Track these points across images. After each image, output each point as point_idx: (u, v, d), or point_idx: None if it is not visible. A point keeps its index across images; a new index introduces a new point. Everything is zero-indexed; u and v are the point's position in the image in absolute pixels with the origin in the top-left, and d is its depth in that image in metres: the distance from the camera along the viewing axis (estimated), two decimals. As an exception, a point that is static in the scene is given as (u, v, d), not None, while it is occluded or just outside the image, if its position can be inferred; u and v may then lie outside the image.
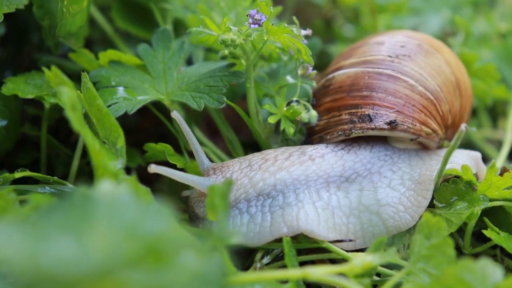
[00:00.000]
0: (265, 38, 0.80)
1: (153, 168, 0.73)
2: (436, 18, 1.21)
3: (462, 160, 0.82)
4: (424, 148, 0.86)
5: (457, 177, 0.80)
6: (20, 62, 1.03)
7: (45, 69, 0.71)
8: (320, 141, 0.85)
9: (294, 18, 0.84)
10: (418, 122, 0.82)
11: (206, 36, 0.83)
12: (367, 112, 0.82)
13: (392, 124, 0.81)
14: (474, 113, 1.19)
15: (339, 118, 0.84)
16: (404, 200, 0.78)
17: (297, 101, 0.84)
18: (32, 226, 0.46)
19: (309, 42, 0.97)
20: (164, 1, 0.98)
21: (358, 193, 0.79)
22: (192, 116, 0.95)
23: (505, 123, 1.07)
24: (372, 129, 0.81)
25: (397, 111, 0.82)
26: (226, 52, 0.85)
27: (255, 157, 0.81)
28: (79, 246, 0.45)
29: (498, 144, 1.11)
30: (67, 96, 0.62)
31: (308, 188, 0.78)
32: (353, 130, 0.82)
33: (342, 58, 0.90)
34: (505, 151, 1.00)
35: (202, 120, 1.05)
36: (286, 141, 0.87)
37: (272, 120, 0.84)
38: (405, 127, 0.81)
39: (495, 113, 1.20)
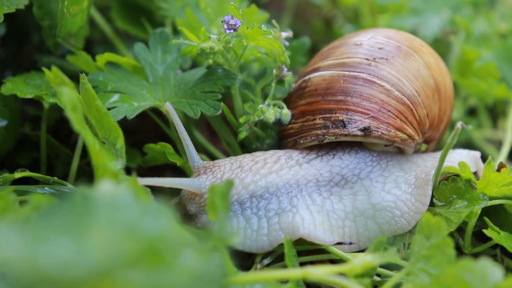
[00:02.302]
0: (245, 44, 0.80)
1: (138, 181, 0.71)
2: (436, 18, 1.20)
3: (460, 159, 0.82)
4: (401, 152, 0.85)
5: (457, 175, 0.80)
6: (20, 62, 1.03)
7: (45, 69, 0.71)
8: (294, 144, 0.83)
9: (274, 21, 0.84)
10: (393, 128, 0.81)
11: (189, 47, 0.83)
12: (341, 118, 0.80)
13: (366, 131, 0.79)
14: (474, 113, 1.19)
15: (313, 122, 0.82)
16: (400, 204, 0.78)
17: (268, 104, 0.83)
18: (31, 227, 0.46)
19: (298, 41, 0.97)
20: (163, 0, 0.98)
21: (351, 197, 0.79)
22: (192, 118, 0.95)
23: (505, 123, 1.07)
24: (346, 135, 0.80)
25: (372, 116, 0.80)
26: (211, 61, 0.85)
27: (246, 159, 0.80)
28: (78, 246, 0.45)
29: (498, 144, 1.11)
30: (67, 96, 0.62)
31: (300, 191, 0.78)
32: (326, 136, 0.80)
33: (320, 58, 0.87)
34: (505, 151, 1.00)
35: (203, 122, 1.05)
36: (259, 146, 0.87)
37: (242, 120, 0.83)
38: (379, 133, 0.80)
39: (495, 113, 1.20)
